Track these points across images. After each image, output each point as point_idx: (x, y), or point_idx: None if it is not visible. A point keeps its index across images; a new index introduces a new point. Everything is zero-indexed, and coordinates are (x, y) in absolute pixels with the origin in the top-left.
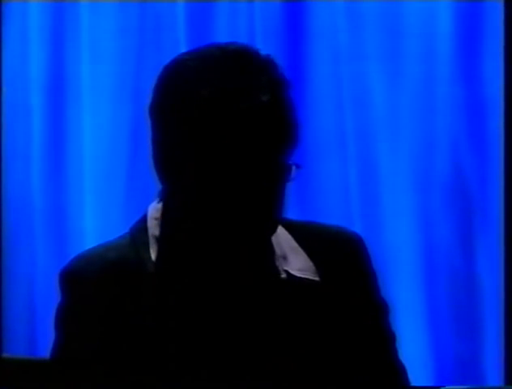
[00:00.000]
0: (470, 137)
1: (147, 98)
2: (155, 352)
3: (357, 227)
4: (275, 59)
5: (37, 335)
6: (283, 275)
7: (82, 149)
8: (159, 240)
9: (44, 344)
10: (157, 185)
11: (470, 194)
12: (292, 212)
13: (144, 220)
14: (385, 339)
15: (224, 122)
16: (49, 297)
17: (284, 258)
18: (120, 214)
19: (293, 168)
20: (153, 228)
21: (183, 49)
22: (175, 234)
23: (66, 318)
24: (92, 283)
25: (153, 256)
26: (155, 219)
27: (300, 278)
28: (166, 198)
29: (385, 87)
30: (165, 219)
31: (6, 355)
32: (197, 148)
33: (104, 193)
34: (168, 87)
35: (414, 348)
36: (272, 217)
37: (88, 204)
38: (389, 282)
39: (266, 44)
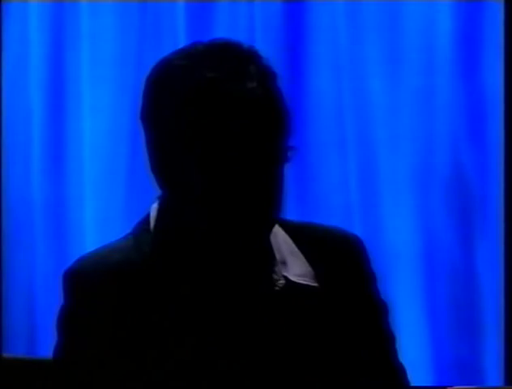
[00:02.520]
0: (470, 137)
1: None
2: (159, 354)
3: (357, 227)
4: (259, 50)
5: (37, 335)
6: (282, 281)
7: (82, 149)
8: (155, 236)
9: (44, 344)
10: (157, 185)
11: (470, 194)
12: (292, 212)
13: (147, 221)
14: (384, 340)
15: (215, 111)
16: (49, 298)
17: (283, 263)
18: (120, 214)
19: (289, 154)
20: None
21: None
22: (173, 231)
23: (70, 320)
24: (97, 284)
25: None
26: None
27: (299, 284)
28: (164, 198)
29: (385, 86)
30: (163, 215)
31: (6, 355)
32: (192, 140)
33: (105, 193)
34: (157, 87)
35: (414, 349)
36: (271, 207)
37: (88, 204)
38: (389, 282)
39: (266, 44)
